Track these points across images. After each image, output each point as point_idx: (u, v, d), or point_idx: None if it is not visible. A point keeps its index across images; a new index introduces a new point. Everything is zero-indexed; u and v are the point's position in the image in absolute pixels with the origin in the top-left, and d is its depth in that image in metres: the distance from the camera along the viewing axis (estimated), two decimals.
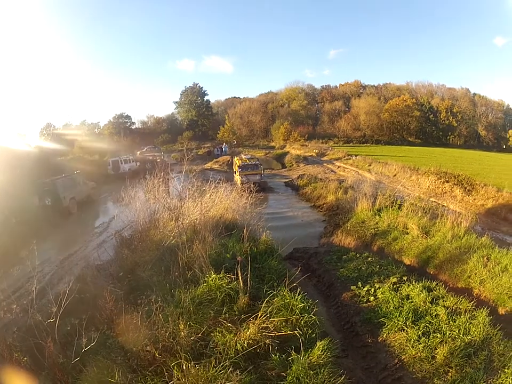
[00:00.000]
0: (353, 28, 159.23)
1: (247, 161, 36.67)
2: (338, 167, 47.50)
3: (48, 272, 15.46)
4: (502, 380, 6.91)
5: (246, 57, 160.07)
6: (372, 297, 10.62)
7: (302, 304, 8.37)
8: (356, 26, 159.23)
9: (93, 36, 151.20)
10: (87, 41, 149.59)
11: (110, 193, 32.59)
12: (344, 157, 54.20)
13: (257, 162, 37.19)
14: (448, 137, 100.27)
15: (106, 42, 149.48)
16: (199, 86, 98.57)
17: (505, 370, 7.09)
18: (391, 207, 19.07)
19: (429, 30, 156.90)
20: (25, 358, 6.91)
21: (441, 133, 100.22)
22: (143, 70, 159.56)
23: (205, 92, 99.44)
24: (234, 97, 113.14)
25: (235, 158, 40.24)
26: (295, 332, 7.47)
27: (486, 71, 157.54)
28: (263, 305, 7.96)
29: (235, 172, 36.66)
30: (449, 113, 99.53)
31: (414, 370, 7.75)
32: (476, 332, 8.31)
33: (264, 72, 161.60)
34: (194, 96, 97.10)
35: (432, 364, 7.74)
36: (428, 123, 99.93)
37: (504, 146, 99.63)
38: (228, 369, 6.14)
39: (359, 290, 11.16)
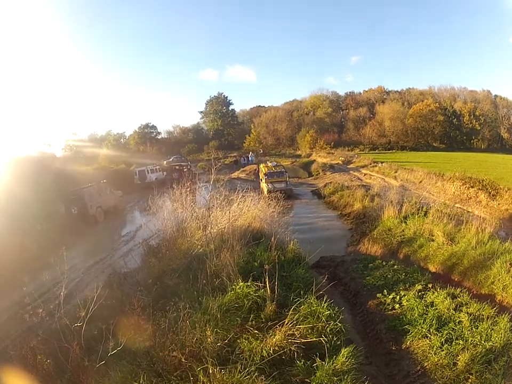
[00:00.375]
0: (373, 33, 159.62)
1: (273, 169, 37.09)
2: (365, 174, 47.37)
3: (74, 279, 15.75)
4: None
5: (269, 65, 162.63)
6: (397, 305, 10.65)
7: (328, 312, 8.40)
8: (376, 31, 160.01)
9: (119, 48, 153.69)
10: (113, 53, 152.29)
11: (137, 203, 33.22)
12: (370, 164, 54.08)
13: (283, 169, 37.42)
14: (472, 141, 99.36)
15: (132, 54, 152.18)
16: (224, 96, 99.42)
17: None
18: (417, 214, 18.96)
19: (448, 33, 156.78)
20: (48, 361, 7.08)
21: (465, 137, 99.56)
22: (168, 81, 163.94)
23: (230, 101, 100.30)
24: (259, 106, 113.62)
25: (261, 165, 40.74)
26: (321, 338, 7.52)
27: (504, 71, 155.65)
28: (290, 312, 8.00)
29: (261, 179, 37.02)
30: (472, 116, 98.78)
31: (435, 377, 7.78)
32: (497, 338, 8.31)
33: (288, 80, 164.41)
34: (219, 106, 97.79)
35: (454, 370, 7.76)
36: (452, 127, 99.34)
37: None
38: (253, 374, 6.21)
39: (385, 298, 11.19)
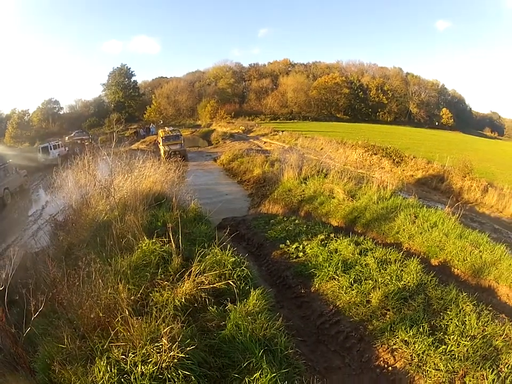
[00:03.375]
0: (284, 7, 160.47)
1: (170, 133, 39.25)
2: (265, 142, 47.98)
3: None
4: (446, 321, 7.54)
5: (174, 36, 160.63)
6: (301, 253, 11.24)
7: (233, 259, 8.82)
8: (288, 5, 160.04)
9: (18, 18, 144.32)
10: (14, 24, 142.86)
11: (42, 180, 32.00)
12: (271, 132, 54.95)
13: (179, 133, 39.87)
14: (377, 113, 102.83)
15: (34, 23, 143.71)
16: (127, 67, 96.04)
17: (448, 312, 7.75)
18: (317, 176, 19.65)
19: (370, 12, 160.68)
20: None
21: (370, 110, 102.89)
22: (71, 53, 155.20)
23: (133, 73, 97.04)
24: (162, 77, 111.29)
25: (159, 130, 43.09)
26: (229, 282, 7.88)
27: (425, 53, 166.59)
28: (195, 263, 8.25)
29: (158, 142, 39.47)
30: (379, 90, 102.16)
31: (350, 314, 8.31)
32: (409, 278, 9.04)
33: (193, 52, 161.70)
34: (121, 78, 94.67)
35: (368, 307, 8.33)
36: (357, 100, 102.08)
37: (436, 123, 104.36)
38: (168, 321, 6.39)
39: (288, 248, 11.75)
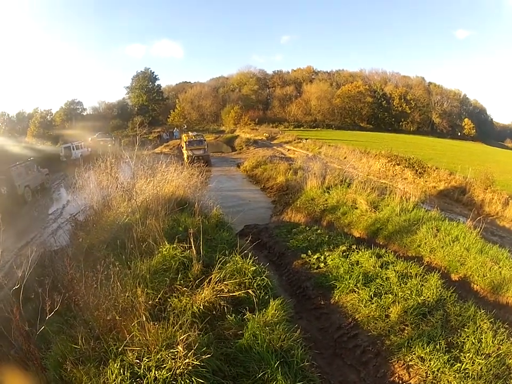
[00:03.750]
0: (307, 14, 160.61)
1: (193, 138, 39.48)
2: (288, 150, 47.69)
3: (8, 261, 15.33)
4: (463, 339, 7.37)
5: (197, 41, 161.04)
6: (322, 264, 11.12)
7: (254, 268, 8.72)
8: (310, 12, 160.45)
9: (44, 21, 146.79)
10: (38, 27, 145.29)
11: (63, 180, 32.30)
12: (295, 140, 54.59)
13: (202, 138, 40.10)
14: (400, 123, 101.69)
15: (60, 27, 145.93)
16: (151, 71, 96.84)
17: (465, 329, 7.57)
18: (340, 185, 19.39)
19: (390, 20, 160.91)
20: None
21: (393, 119, 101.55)
22: (95, 55, 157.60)
23: (156, 77, 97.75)
24: (185, 82, 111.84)
25: (183, 135, 42.93)
26: (249, 291, 7.80)
27: (446, 62, 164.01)
28: (216, 270, 8.20)
29: (182, 146, 39.85)
30: (402, 100, 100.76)
31: (368, 328, 8.17)
32: (428, 293, 8.84)
33: (216, 57, 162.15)
34: (145, 81, 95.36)
35: (387, 322, 8.19)
36: (380, 109, 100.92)
37: (459, 134, 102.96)
38: (186, 327, 6.33)
39: (309, 258, 11.66)
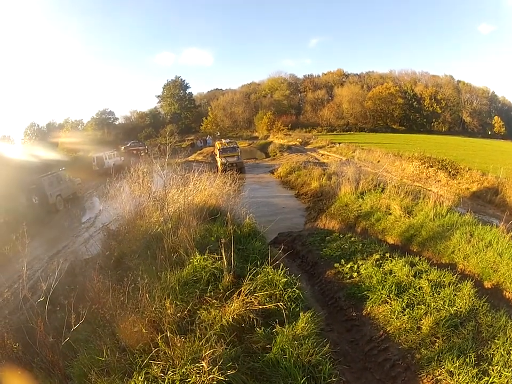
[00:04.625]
0: (334, 16, 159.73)
1: (227, 145, 39.84)
2: (322, 155, 47.63)
3: (38, 269, 15.56)
4: (493, 351, 7.04)
5: (227, 48, 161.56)
6: (355, 273, 10.83)
7: (285, 279, 8.50)
8: (337, 14, 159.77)
9: (73, 32, 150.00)
10: (68, 39, 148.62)
11: (96, 189, 32.83)
12: (328, 145, 54.44)
13: (235, 145, 40.33)
14: (432, 123, 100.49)
15: (87, 38, 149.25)
16: (181, 79, 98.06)
17: (495, 341, 7.23)
18: (374, 190, 19.17)
19: (413, 18, 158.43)
20: (17, 345, 6.96)
21: (425, 120, 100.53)
22: (124, 66, 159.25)
23: (187, 85, 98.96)
24: (217, 89, 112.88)
25: (216, 142, 43.48)
26: (279, 304, 7.60)
27: (470, 58, 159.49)
28: (246, 282, 8.05)
29: (215, 154, 40.05)
30: (433, 100, 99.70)
31: (399, 341, 7.87)
32: (461, 303, 8.47)
33: (246, 63, 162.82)
34: (176, 90, 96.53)
35: (418, 334, 7.86)
36: (412, 110, 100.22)
37: (489, 133, 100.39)
38: (213, 341, 6.21)
39: (342, 267, 11.38)
